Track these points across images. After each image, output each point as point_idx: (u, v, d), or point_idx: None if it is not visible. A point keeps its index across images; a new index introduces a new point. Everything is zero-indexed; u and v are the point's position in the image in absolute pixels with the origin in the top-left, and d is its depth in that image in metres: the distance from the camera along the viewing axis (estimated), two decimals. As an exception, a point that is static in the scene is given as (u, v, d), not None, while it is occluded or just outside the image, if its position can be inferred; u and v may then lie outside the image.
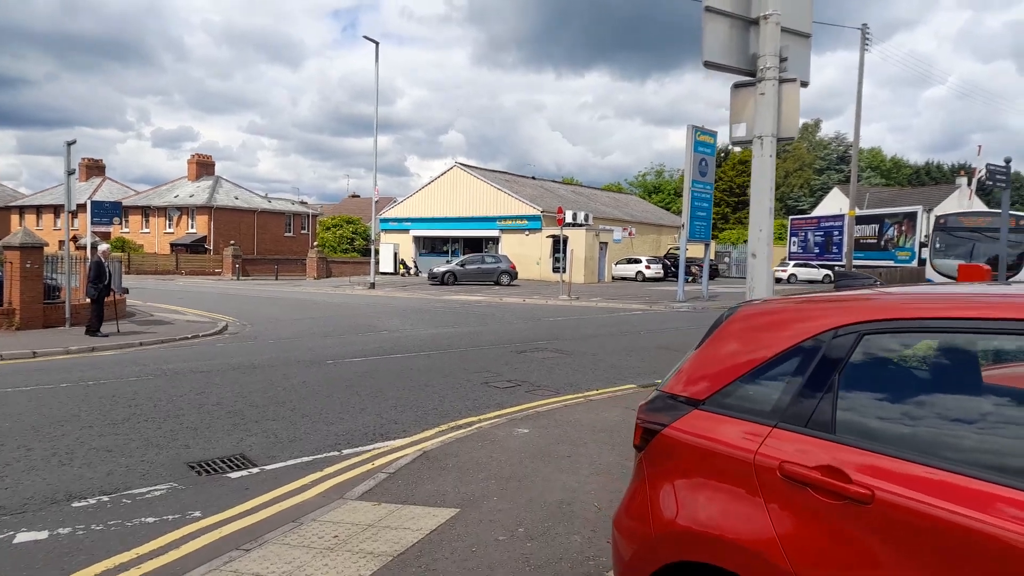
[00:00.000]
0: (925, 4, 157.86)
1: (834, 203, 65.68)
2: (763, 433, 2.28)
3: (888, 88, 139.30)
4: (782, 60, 5.53)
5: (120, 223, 19.39)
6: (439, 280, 35.73)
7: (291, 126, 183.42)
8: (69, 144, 15.14)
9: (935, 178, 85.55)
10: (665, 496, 2.51)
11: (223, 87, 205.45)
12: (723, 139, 30.12)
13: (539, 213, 41.53)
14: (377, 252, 36.06)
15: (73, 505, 5.04)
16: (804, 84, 6.03)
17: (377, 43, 33.70)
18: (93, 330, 13.91)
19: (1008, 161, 12.75)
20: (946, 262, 22.70)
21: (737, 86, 5.85)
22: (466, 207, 44.72)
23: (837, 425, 2.15)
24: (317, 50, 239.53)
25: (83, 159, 60.10)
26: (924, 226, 44.40)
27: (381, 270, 37.41)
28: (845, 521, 2.01)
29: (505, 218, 42.88)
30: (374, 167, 36.21)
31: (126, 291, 18.07)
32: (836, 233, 47.47)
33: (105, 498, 5.19)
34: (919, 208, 42.90)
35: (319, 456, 6.31)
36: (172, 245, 52.49)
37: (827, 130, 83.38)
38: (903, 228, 41.27)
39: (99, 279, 14.01)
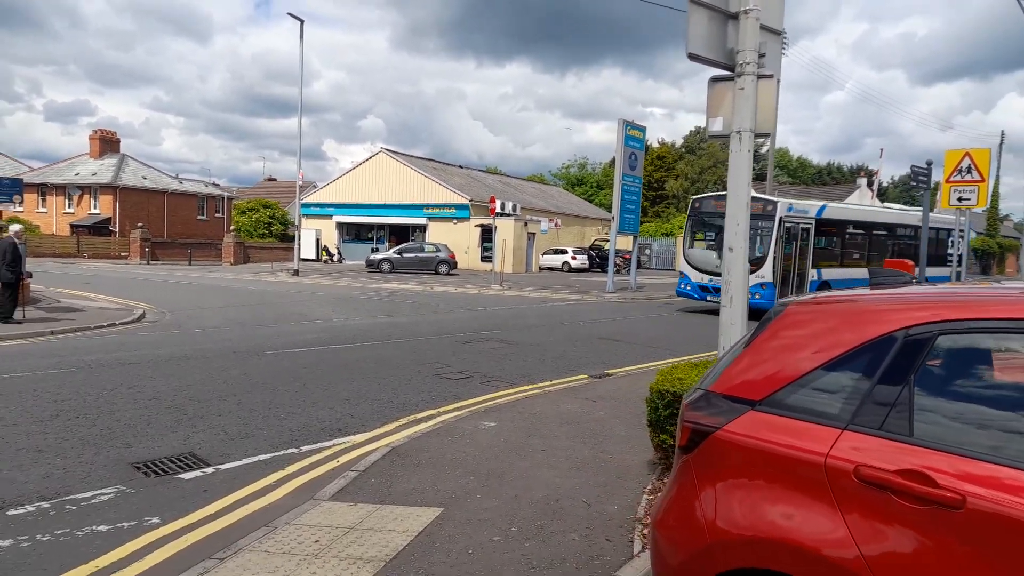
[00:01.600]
0: (827, 13, 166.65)
1: (747, 199, 68.33)
2: (832, 435, 2.23)
3: (792, 92, 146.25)
4: (761, 56, 5.58)
5: (20, 201, 17.85)
6: (376, 267, 34.93)
7: (199, 104, 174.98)
8: (-34, 113, 13.76)
9: (836, 178, 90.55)
10: (720, 500, 2.43)
11: (124, 59, 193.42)
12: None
13: (468, 202, 41.23)
14: (296, 238, 34.84)
15: (9, 513, 4.55)
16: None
17: (302, 21, 32.43)
18: (7, 316, 12.86)
19: (929, 164, 13.53)
20: (700, 252, 19.52)
21: (714, 80, 5.85)
22: (392, 194, 43.86)
23: (915, 428, 2.12)
24: (228, 26, 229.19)
25: (-32, 131, 55.17)
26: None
27: (303, 256, 36.16)
28: (932, 526, 1.98)
29: (433, 206, 42.35)
30: (298, 149, 34.86)
31: (30, 275, 16.69)
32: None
33: (46, 504, 4.72)
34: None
35: (277, 453, 5.97)
36: (73, 226, 49.02)
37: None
38: (813, 224, 43.41)
39: (16, 262, 13.01)
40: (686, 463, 2.61)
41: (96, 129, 55.12)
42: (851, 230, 20.67)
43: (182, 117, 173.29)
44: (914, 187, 18.18)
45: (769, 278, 17.23)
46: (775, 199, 17.98)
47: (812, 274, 18.53)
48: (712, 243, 19.05)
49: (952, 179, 13.77)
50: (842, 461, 2.17)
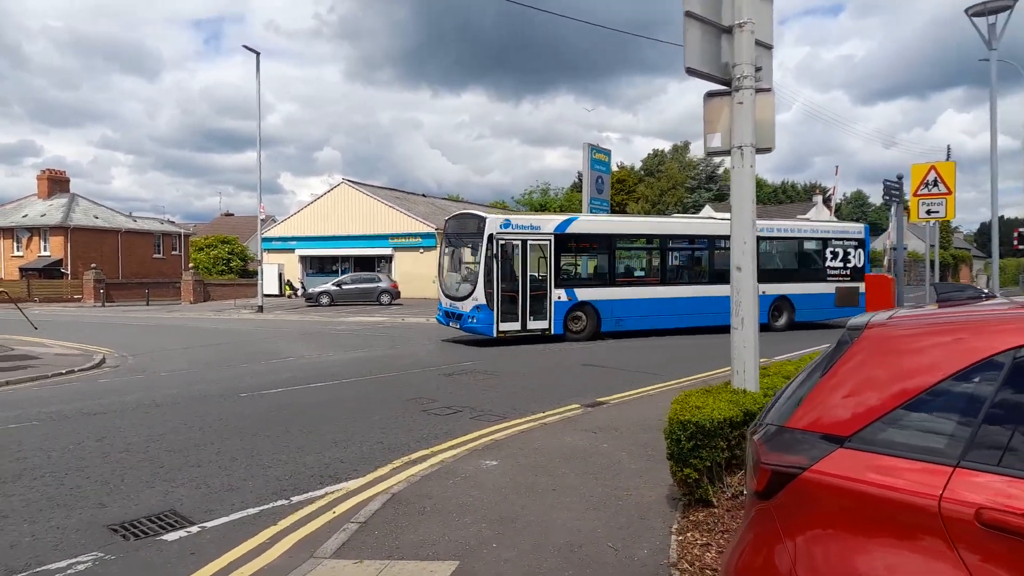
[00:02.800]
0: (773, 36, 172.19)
1: (707, 219, 69.61)
2: (943, 473, 2.00)
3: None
4: (757, 69, 5.49)
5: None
6: (315, 300, 34.24)
7: (149, 140, 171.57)
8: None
9: (791, 196, 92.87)
10: (810, 552, 2.17)
11: (69, 98, 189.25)
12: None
13: (433, 230, 40.90)
14: (260, 273, 34.03)
15: (-28, 593, 4.06)
16: (771, 97, 6.05)
17: (258, 53, 32.04)
18: None
19: (900, 177, 13.76)
20: (446, 276, 17.97)
21: (710, 95, 5.75)
22: (356, 225, 43.35)
23: (1042, 461, 1.90)
24: (176, 62, 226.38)
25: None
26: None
27: (266, 292, 35.31)
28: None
29: (398, 236, 41.95)
30: (258, 182, 34.18)
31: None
32: (714, 247, 50.13)
33: (14, 580, 4.23)
34: (787, 223, 46.12)
35: (266, 506, 5.54)
36: (22, 270, 47.18)
37: (696, 151, 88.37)
38: (774, 242, 44.20)
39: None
40: (765, 511, 2.35)
41: (44, 169, 53.44)
42: (624, 244, 18.95)
43: (132, 155, 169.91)
44: (886, 200, 18.51)
45: (482, 300, 16.08)
46: (484, 215, 16.79)
47: (559, 295, 16.87)
48: (462, 265, 17.70)
49: (920, 192, 14.02)
50: (959, 504, 1.93)
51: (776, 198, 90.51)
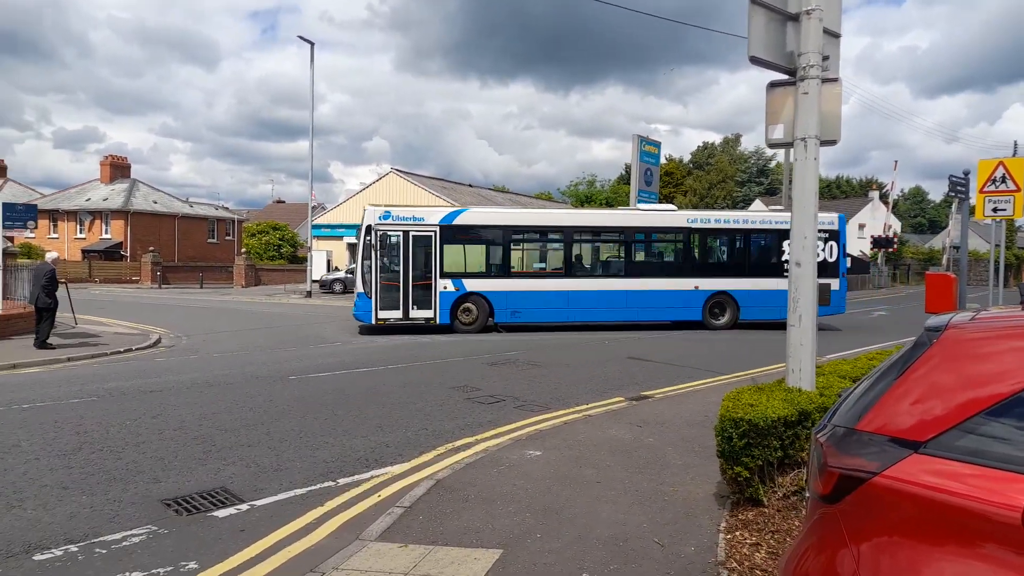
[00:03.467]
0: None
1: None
2: (1027, 483, 1.88)
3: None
4: (824, 58, 5.29)
5: (35, 227, 17.67)
6: (328, 288, 34.60)
7: (206, 129, 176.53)
8: (-18, 138, 13.62)
9: (844, 191, 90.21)
10: (876, 558, 2.07)
11: (132, 86, 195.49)
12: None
13: (478, 221, 41.03)
14: (309, 259, 34.63)
15: (35, 558, 4.22)
16: (835, 87, 5.83)
17: (312, 43, 32.54)
18: (43, 341, 12.82)
19: (966, 173, 13.18)
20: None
21: (773, 85, 5.57)
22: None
23: None
24: (234, 51, 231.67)
25: (-19, 158, 55.60)
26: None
27: (314, 278, 35.99)
28: None
29: (444, 225, 42.15)
30: (310, 170, 34.81)
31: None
32: (764, 243, 49.04)
33: (74, 548, 4.38)
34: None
35: (314, 487, 5.61)
36: (84, 251, 49.05)
37: (747, 144, 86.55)
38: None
39: (54, 288, 13.06)
40: (830, 515, 2.25)
41: (107, 155, 55.38)
42: (519, 236, 18.39)
43: (189, 142, 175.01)
44: (950, 197, 17.76)
45: (362, 289, 16.85)
46: (368, 208, 17.18)
47: (445, 285, 17.20)
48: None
49: (986, 189, 13.39)
50: (1044, 516, 1.81)
51: (829, 192, 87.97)
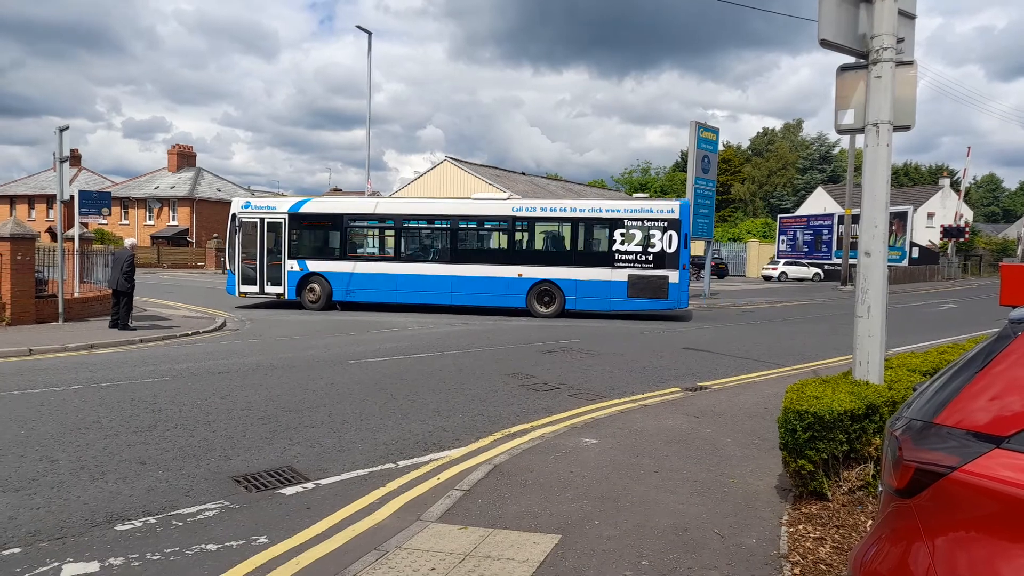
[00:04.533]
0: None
1: (818, 202, 66.04)
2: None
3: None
4: (899, 41, 5.09)
5: (108, 214, 18.55)
6: None
7: (266, 118, 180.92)
8: (61, 130, 14.28)
9: (913, 179, 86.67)
10: (952, 554, 2.02)
11: (196, 77, 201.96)
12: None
13: (532, 208, 41.03)
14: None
15: (117, 528, 4.46)
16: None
17: (370, 33, 32.89)
18: (124, 324, 13.54)
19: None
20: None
21: (844, 69, 5.39)
22: (456, 202, 44.04)
23: None
24: (293, 42, 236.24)
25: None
26: (913, 225, 44.79)
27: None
28: None
29: (497, 213, 42.29)
30: (367, 159, 35.29)
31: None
32: (826, 232, 47.69)
33: (152, 519, 4.61)
34: (909, 208, 43.22)
35: (375, 468, 5.76)
36: (153, 238, 51.11)
37: (809, 130, 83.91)
38: (893, 227, 41.43)
39: (132, 273, 13.82)
40: (904, 509, 2.20)
41: (174, 144, 57.47)
42: (356, 224, 19.72)
43: (250, 131, 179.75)
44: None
45: (229, 267, 19.78)
46: (234, 199, 20.45)
47: (292, 265, 19.32)
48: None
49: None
50: None
51: (896, 180, 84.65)
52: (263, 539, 4.36)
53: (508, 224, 18.86)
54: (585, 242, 18.67)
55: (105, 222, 45.29)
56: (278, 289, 19.53)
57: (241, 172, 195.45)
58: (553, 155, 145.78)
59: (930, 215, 61.58)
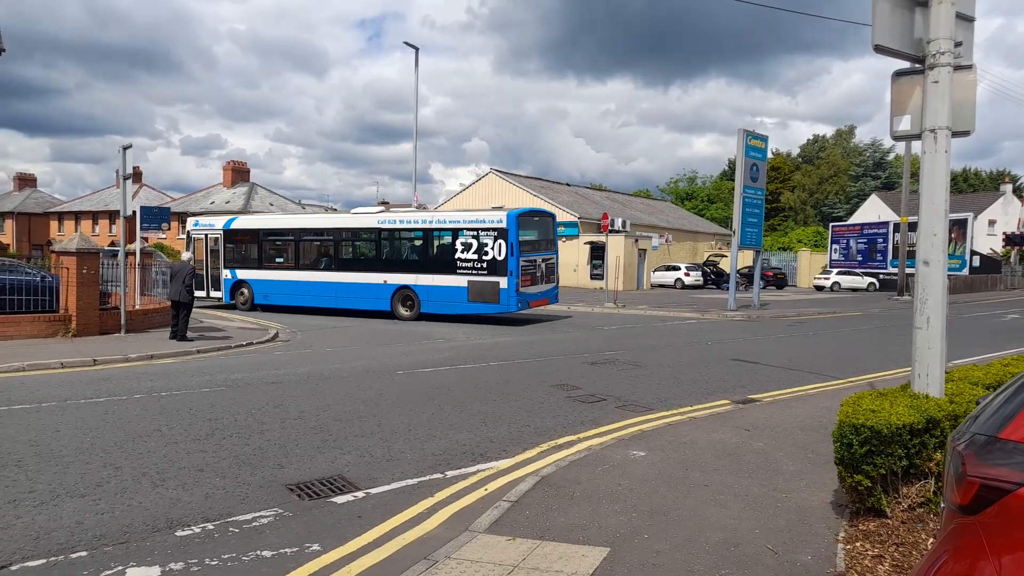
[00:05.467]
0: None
1: (872, 210, 64.22)
2: None
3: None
4: (957, 45, 4.96)
5: (168, 228, 19.37)
6: None
7: (316, 134, 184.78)
8: (125, 149, 14.91)
9: (973, 185, 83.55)
10: (1019, 573, 1.95)
11: (250, 96, 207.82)
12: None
13: (576, 219, 41.01)
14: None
15: (177, 534, 4.60)
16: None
17: (417, 49, 33.41)
18: (183, 335, 14.08)
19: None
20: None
21: (899, 74, 5.28)
22: (502, 213, 44.32)
23: None
24: (342, 59, 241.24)
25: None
26: (973, 233, 43.15)
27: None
28: None
29: (542, 224, 42.39)
30: (413, 173, 35.90)
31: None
32: (880, 240, 46.31)
33: (210, 526, 4.75)
34: (969, 215, 41.68)
35: (424, 478, 5.83)
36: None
37: (862, 136, 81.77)
38: (953, 235, 39.98)
39: (192, 285, 14.58)
40: (968, 526, 2.14)
41: (229, 160, 59.30)
42: (270, 238, 22.53)
43: (301, 147, 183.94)
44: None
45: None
46: (190, 219, 24.35)
47: (226, 274, 22.58)
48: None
49: None
50: None
51: (955, 186, 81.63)
52: (316, 547, 4.45)
53: (375, 235, 20.88)
54: (435, 251, 19.96)
55: (164, 236, 46.85)
56: (219, 294, 22.74)
57: (292, 187, 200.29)
58: (598, 165, 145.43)
59: (991, 222, 59.22)
